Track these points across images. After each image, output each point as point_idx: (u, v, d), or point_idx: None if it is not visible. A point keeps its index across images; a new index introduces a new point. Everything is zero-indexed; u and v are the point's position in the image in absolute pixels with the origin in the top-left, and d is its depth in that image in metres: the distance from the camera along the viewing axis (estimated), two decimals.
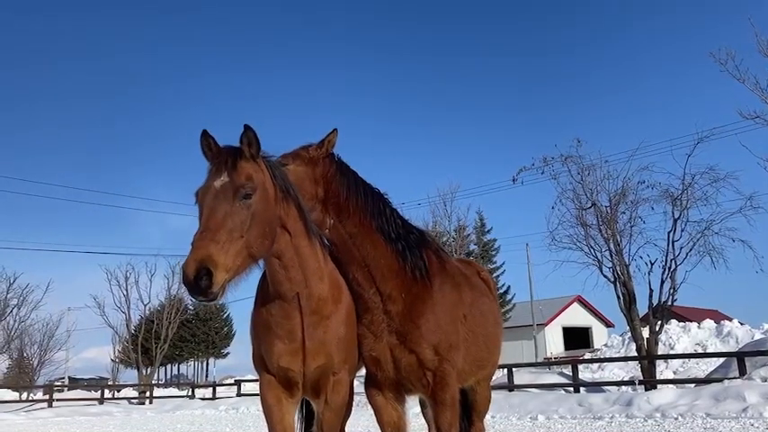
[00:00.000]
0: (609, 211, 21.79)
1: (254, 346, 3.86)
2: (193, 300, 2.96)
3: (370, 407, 4.14)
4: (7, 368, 55.74)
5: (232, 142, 3.31)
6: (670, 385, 19.20)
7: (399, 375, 3.86)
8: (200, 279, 2.82)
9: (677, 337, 33.21)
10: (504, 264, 49.15)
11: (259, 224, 3.15)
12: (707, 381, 18.11)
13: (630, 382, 20.58)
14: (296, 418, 4.12)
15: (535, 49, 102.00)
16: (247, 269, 3.19)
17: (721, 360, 21.00)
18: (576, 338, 57.13)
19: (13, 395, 38.34)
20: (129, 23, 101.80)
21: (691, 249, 20.62)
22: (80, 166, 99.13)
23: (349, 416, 4.20)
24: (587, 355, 39.59)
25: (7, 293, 39.74)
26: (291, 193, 3.51)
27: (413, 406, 4.27)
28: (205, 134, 3.29)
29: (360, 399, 6.45)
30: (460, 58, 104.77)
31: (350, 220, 3.88)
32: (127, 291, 41.24)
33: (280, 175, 3.48)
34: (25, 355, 52.45)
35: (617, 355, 31.25)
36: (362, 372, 4.20)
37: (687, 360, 26.72)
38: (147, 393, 35.40)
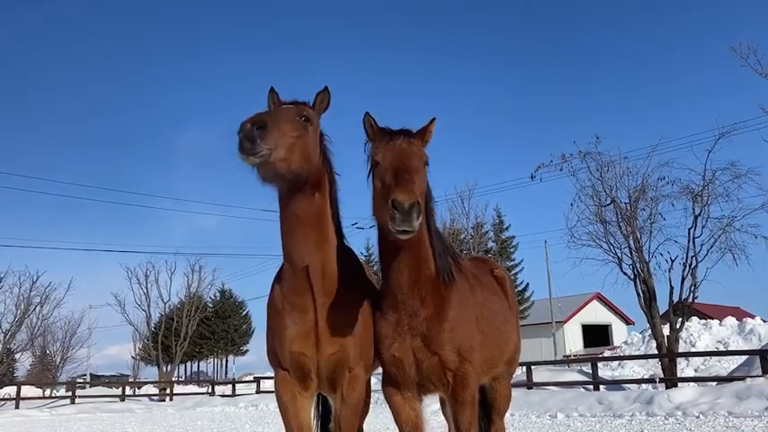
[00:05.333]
0: (628, 208, 21.59)
1: (269, 339, 3.86)
2: (240, 156, 3.00)
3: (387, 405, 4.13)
4: (31, 365, 56.68)
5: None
6: (691, 383, 19.00)
7: (420, 376, 3.83)
8: (253, 132, 2.94)
9: (698, 334, 32.88)
10: (522, 261, 48.94)
11: (301, 145, 3.31)
12: (729, 379, 17.91)
13: (651, 380, 20.43)
14: (312, 415, 4.13)
15: (553, 44, 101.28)
16: (286, 169, 3.22)
17: (743, 358, 20.80)
18: (596, 336, 56.76)
19: (37, 392, 38.91)
20: (161, 20, 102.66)
21: (712, 246, 20.38)
22: (101, 164, 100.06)
23: (366, 414, 4.20)
24: (607, 353, 39.34)
25: (30, 292, 40.21)
26: (328, 157, 3.79)
27: (430, 404, 4.26)
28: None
29: (377, 396, 6.46)
30: (477, 54, 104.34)
31: None
32: (147, 289, 41.76)
33: (324, 142, 3.75)
34: (48, 352, 53.32)
35: (637, 353, 30.99)
36: (380, 370, 4.18)
37: (708, 358, 26.44)
38: (168, 390, 35.76)
